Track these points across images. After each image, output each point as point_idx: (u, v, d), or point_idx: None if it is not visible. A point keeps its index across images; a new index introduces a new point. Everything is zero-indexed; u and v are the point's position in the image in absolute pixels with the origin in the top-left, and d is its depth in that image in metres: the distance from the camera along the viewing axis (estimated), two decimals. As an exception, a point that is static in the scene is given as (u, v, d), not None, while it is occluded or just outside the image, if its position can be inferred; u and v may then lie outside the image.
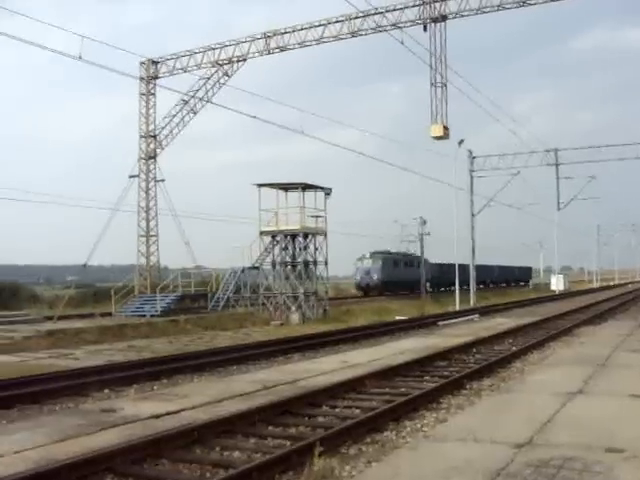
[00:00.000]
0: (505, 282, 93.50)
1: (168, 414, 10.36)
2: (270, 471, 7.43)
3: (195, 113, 37.01)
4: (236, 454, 8.51)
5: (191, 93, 36.69)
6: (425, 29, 30.14)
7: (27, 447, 8.47)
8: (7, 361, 20.40)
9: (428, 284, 63.49)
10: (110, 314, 34.46)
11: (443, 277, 66.45)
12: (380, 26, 31.34)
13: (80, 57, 27.78)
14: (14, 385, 14.30)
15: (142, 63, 37.52)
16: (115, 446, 8.21)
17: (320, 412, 11.10)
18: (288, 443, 8.90)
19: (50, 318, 31.52)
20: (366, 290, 62.19)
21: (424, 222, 60.53)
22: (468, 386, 13.56)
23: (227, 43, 35.51)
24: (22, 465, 7.60)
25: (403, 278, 63.64)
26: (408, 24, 30.60)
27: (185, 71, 36.86)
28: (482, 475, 6.38)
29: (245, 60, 35.44)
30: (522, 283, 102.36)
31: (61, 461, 7.60)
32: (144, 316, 33.20)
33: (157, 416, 10.20)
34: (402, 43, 27.88)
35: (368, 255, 63.44)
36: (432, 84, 29.68)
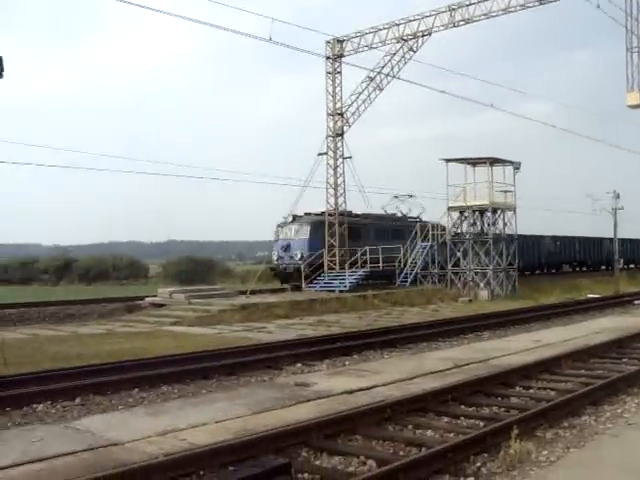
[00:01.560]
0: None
1: (360, 390, 10.46)
2: (464, 452, 7.31)
3: (381, 90, 36.94)
4: (429, 433, 8.44)
5: (377, 70, 36.71)
6: (621, -11, 28.43)
7: (227, 417, 8.82)
8: (205, 333, 21.46)
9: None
10: (300, 289, 35.34)
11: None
12: (573, -10, 29.92)
13: (270, 39, 28.65)
14: (212, 357, 14.96)
15: (328, 42, 37.89)
16: (310, 420, 8.37)
17: (513, 393, 10.83)
18: (481, 424, 8.75)
19: (243, 292, 32.77)
20: (284, 277, 38.51)
21: (617, 196, 57.48)
22: (673, 370, 12.75)
23: (411, 18, 35.15)
24: (223, 434, 7.91)
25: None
26: (601, -14, 29.01)
27: (370, 48, 36.84)
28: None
29: (430, 34, 34.91)
30: None
31: (259, 432, 7.83)
32: (333, 291, 33.79)
33: (350, 392, 10.33)
34: (598, 7, 26.53)
35: (290, 219, 39.18)
36: (628, 49, 27.96)
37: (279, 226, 39.69)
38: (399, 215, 45.70)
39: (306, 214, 39.91)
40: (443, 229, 41.37)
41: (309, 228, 38.18)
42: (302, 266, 36.28)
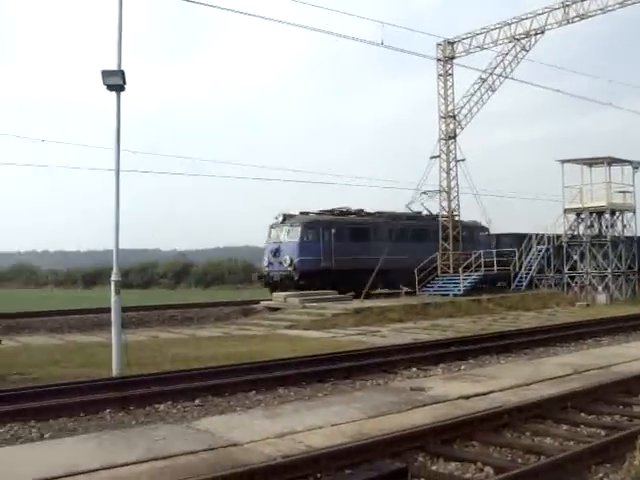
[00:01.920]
0: None
1: (477, 395, 10.34)
2: (586, 462, 7.11)
3: (493, 91, 36.42)
4: (548, 441, 8.26)
5: (489, 70, 36.23)
6: None
7: (343, 421, 8.85)
8: (319, 336, 21.66)
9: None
10: (414, 292, 35.22)
11: None
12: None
13: (382, 43, 28.82)
14: (328, 360, 15.09)
15: (438, 44, 37.68)
16: (426, 425, 8.32)
17: (637, 401, 10.44)
18: (603, 433, 8.51)
19: (357, 296, 32.87)
20: (274, 285, 34.13)
21: None
22: None
23: (523, 16, 34.53)
24: (339, 438, 7.95)
25: (364, 264, 33.73)
26: None
27: (481, 49, 36.42)
28: None
29: (543, 32, 34.20)
30: None
31: (375, 436, 7.83)
32: (447, 295, 33.56)
33: (466, 397, 10.22)
34: None
35: (281, 219, 35.15)
36: None
37: (271, 227, 35.56)
38: (426, 213, 40.66)
39: (302, 213, 35.80)
40: (483, 229, 40.04)
41: (300, 230, 33.76)
42: (292, 273, 32.62)
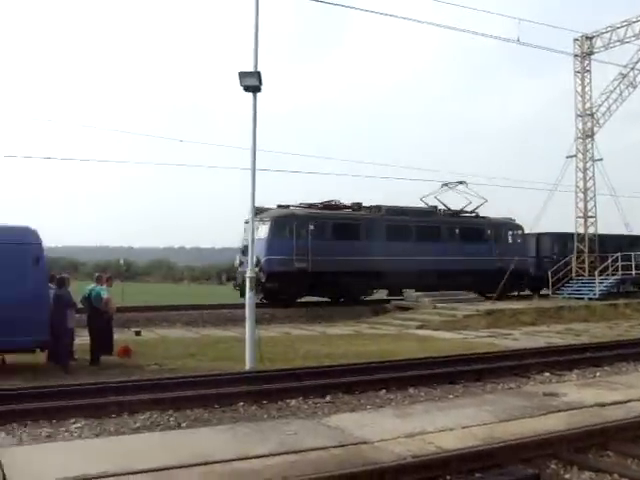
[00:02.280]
0: None
1: (614, 404, 10.00)
2: None
3: (635, 87, 35.05)
4: (689, 455, 7.93)
5: (630, 65, 34.85)
6: None
7: (474, 423, 8.77)
8: (451, 338, 21.56)
9: None
10: (547, 295, 34.38)
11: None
12: None
13: (518, 40, 28.33)
14: (459, 361, 15.03)
15: (576, 40, 36.62)
16: (560, 432, 8.14)
17: None
18: None
19: (489, 298, 32.41)
20: (241, 287, 26.80)
21: None
22: None
23: (671, 7, 33.09)
24: (470, 440, 7.88)
25: (351, 266, 30.26)
26: None
27: (622, 43, 35.08)
28: None
29: (691, 23, 32.65)
30: None
31: (506, 441, 7.73)
32: (582, 299, 32.57)
33: (602, 405, 9.91)
34: None
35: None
36: None
37: (245, 222, 29.26)
38: (444, 208, 36.27)
39: (279, 206, 31.18)
40: (517, 227, 36.84)
41: (269, 226, 29.20)
42: (259, 275, 25.34)
